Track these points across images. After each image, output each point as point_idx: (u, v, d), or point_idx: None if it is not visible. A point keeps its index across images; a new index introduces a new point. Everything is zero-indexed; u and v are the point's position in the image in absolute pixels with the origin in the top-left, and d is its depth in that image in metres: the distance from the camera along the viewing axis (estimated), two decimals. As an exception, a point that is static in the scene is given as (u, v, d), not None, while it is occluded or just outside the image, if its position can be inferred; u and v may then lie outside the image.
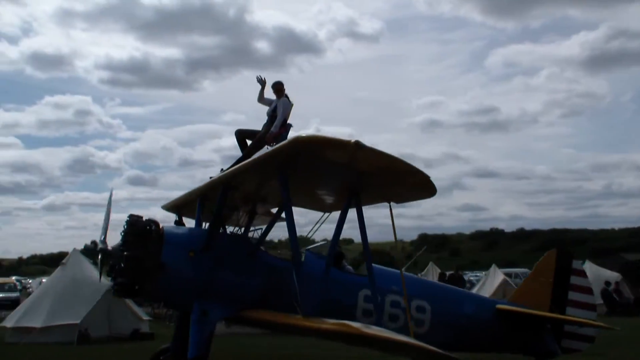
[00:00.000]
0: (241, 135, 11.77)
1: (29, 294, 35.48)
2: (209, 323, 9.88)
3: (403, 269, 11.62)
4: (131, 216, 10.18)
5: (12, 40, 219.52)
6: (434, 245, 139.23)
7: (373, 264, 11.97)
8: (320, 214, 11.22)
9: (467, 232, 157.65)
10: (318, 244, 11.82)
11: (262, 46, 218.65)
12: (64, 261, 23.02)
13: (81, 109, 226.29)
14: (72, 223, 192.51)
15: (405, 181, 8.78)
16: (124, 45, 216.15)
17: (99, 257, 10.11)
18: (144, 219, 10.29)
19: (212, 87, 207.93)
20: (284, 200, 9.07)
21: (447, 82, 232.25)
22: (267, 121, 11.68)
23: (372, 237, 10.81)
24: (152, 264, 9.71)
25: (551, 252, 12.65)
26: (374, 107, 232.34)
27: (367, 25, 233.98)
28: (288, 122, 11.80)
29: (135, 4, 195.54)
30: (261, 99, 12.18)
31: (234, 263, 10.26)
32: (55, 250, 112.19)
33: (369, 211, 10.19)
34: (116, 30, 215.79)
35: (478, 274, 51.72)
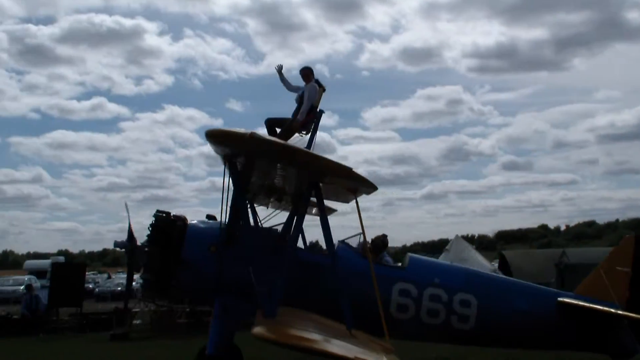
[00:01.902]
0: (270, 123, 11.38)
1: None
2: (230, 320, 9.78)
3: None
4: (157, 212, 10.28)
5: (384, 38, 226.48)
6: None
7: (418, 255, 11.30)
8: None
9: None
10: (353, 235, 11.33)
11: (634, 16, 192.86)
12: (447, 247, 24.91)
13: (452, 99, 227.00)
14: (451, 210, 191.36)
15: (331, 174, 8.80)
16: (489, 32, 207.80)
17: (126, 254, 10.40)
18: (171, 215, 10.37)
19: (583, 64, 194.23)
20: (235, 191, 8.89)
21: None
22: (296, 108, 11.26)
23: None
24: (172, 260, 9.77)
25: (629, 237, 11.12)
26: None
27: None
28: (320, 108, 11.29)
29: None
30: (288, 86, 11.76)
31: (257, 258, 10.04)
32: (436, 237, 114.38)
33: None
34: (480, 17, 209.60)
35: None
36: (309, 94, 11.10)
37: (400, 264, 11.16)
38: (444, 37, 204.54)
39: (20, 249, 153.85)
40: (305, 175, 9.16)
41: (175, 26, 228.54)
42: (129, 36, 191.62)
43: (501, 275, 14.72)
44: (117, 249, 10.87)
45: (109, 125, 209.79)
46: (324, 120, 11.22)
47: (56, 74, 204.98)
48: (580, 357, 11.39)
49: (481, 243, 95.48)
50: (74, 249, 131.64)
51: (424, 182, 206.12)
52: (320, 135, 11.28)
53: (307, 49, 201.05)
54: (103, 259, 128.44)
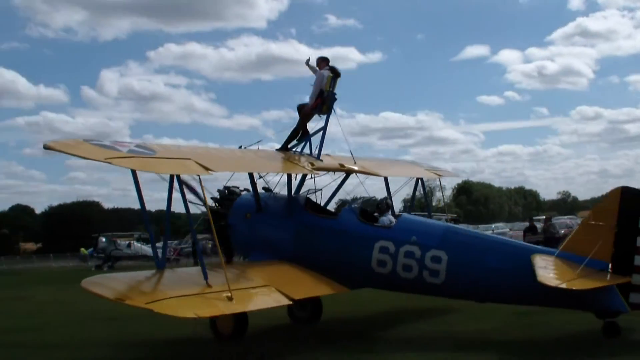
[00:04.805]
0: (299, 108, 13.19)
1: None
2: None
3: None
4: (224, 187, 13.57)
5: None
6: None
7: (408, 214, 12.62)
8: None
9: None
10: (363, 198, 13.15)
11: None
12: None
13: None
14: None
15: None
16: None
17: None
18: (234, 189, 13.57)
19: None
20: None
21: None
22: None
23: None
24: (223, 225, 12.86)
25: (614, 191, 10.39)
26: None
27: None
28: (334, 92, 12.88)
29: None
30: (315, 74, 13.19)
31: (273, 222, 12.66)
32: None
33: None
34: None
35: None
36: (316, 81, 12.88)
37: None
38: None
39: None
40: None
41: None
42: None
43: (485, 233, 14.14)
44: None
45: None
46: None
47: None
48: (567, 315, 11.09)
49: None
50: None
51: None
52: None
53: None
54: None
